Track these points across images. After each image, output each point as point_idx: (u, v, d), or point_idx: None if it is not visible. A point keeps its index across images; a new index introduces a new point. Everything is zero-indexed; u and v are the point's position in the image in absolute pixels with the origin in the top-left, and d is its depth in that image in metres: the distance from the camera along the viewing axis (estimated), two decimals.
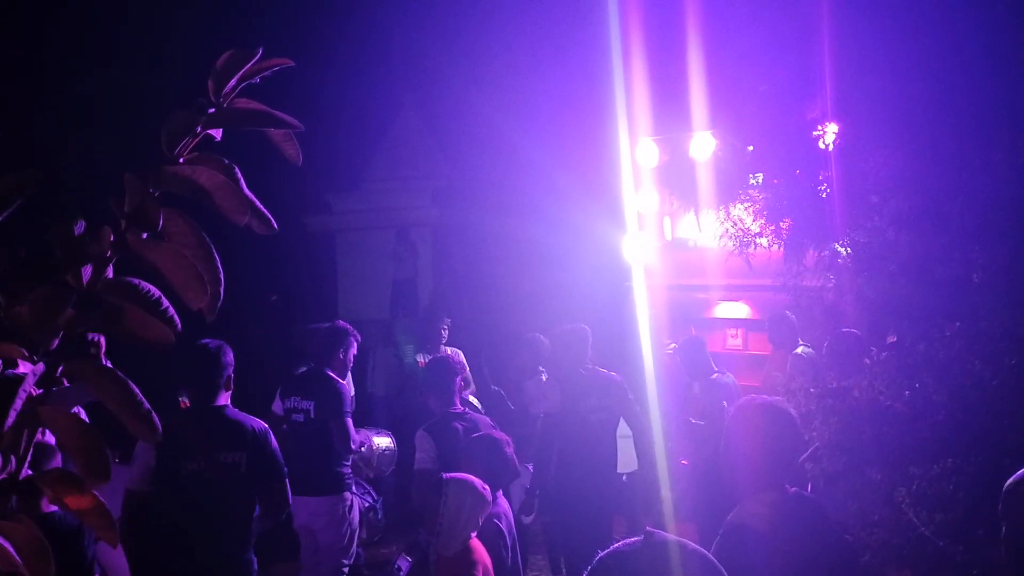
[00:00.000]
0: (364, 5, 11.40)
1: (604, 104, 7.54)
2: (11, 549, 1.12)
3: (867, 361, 3.67)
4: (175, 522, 3.63)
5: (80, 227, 1.20)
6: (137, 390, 1.16)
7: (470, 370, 7.15)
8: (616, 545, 1.41)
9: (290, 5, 11.57)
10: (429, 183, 12.19)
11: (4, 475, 1.12)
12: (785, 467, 2.50)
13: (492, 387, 7.08)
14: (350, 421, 5.37)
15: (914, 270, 3.90)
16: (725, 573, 1.41)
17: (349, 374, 6.24)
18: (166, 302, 1.20)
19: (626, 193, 7.68)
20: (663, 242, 8.35)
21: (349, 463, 5.51)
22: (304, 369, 5.80)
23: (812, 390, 3.58)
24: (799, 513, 2.42)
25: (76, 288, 1.16)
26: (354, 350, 5.65)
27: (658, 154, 7.41)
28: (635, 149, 7.56)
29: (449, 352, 7.41)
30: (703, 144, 6.34)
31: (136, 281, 1.19)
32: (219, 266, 1.24)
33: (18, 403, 1.11)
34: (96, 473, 1.15)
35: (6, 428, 1.10)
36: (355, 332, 5.65)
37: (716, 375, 5.95)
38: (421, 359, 7.82)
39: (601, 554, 1.41)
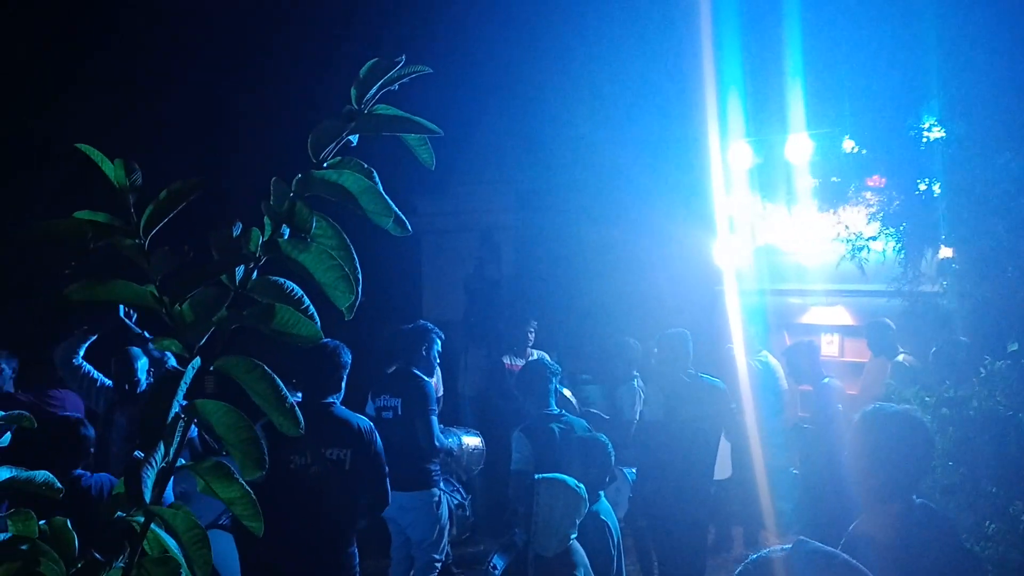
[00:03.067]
0: (449, 9, 11.50)
1: (695, 106, 7.46)
2: (171, 537, 1.18)
3: (982, 371, 3.54)
4: (282, 514, 3.73)
5: (237, 229, 1.25)
6: (282, 385, 1.21)
7: None
8: (764, 552, 1.40)
9: (376, 11, 11.76)
10: (513, 186, 12.24)
11: (164, 464, 1.17)
12: (914, 478, 2.43)
13: (586, 387, 7.10)
14: (435, 419, 5.47)
15: None
16: None
17: (438, 373, 6.33)
18: (307, 300, 1.24)
19: (717, 196, 7.58)
20: (755, 246, 8.20)
21: (438, 460, 5.60)
22: (393, 368, 5.93)
23: (927, 398, 3.46)
24: (926, 525, 2.35)
25: (231, 288, 1.21)
26: (437, 347, 5.75)
27: (752, 156, 7.29)
28: (727, 151, 7.45)
29: (536, 355, 7.46)
30: (800, 146, 6.21)
31: (281, 280, 1.24)
32: (359, 266, 1.29)
33: (181, 395, 1.16)
34: (254, 464, 1.20)
35: (169, 420, 1.16)
36: (438, 330, 5.75)
37: (827, 379, 5.81)
38: (508, 362, 7.89)
39: (751, 557, 1.40)
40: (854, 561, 1.39)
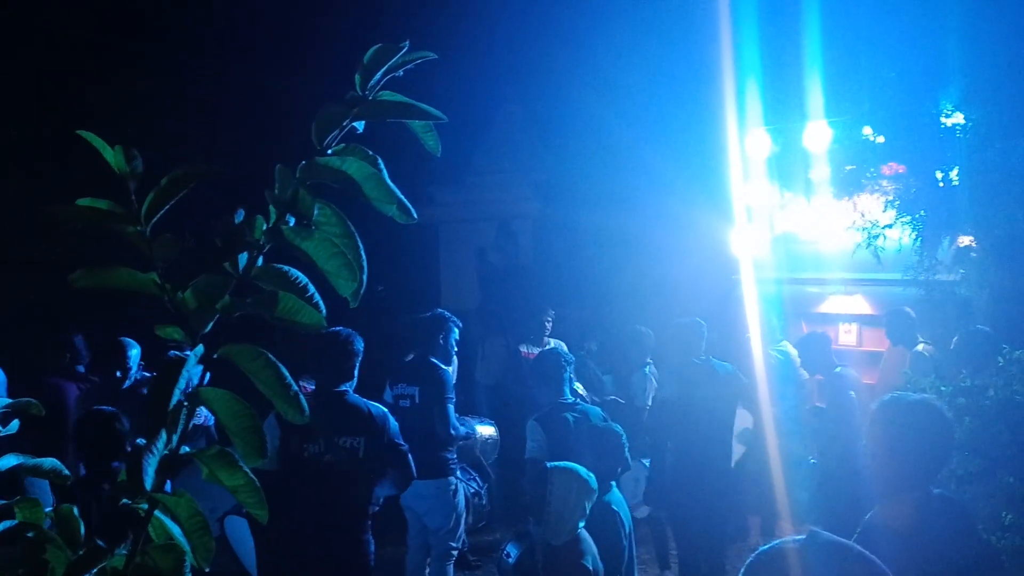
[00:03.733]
0: None
1: (713, 94, 7.40)
2: (173, 523, 1.18)
3: (1000, 360, 3.49)
4: (296, 502, 3.76)
5: (239, 216, 1.24)
6: (287, 373, 1.20)
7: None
8: (775, 542, 1.38)
9: (394, 2, 11.75)
10: (531, 176, 12.23)
11: (166, 451, 1.17)
12: (933, 468, 2.40)
13: (603, 377, 7.11)
14: (451, 408, 5.49)
15: None
16: None
17: (455, 361, 6.35)
18: (312, 288, 1.23)
19: (735, 185, 7.53)
20: (772, 234, 8.15)
21: (454, 448, 5.62)
22: (411, 357, 5.95)
23: (943, 388, 3.43)
24: (943, 515, 2.32)
25: (234, 275, 1.20)
26: (455, 336, 5.77)
27: (770, 144, 7.23)
28: (745, 140, 7.40)
29: (552, 344, 7.45)
30: (818, 134, 6.14)
31: (285, 268, 1.23)
32: (363, 254, 1.27)
33: (182, 382, 1.16)
34: (255, 452, 1.19)
35: (171, 407, 1.15)
36: (455, 319, 5.77)
37: (839, 368, 5.78)
38: (525, 350, 7.89)
39: (762, 548, 1.38)
40: (868, 553, 1.37)
